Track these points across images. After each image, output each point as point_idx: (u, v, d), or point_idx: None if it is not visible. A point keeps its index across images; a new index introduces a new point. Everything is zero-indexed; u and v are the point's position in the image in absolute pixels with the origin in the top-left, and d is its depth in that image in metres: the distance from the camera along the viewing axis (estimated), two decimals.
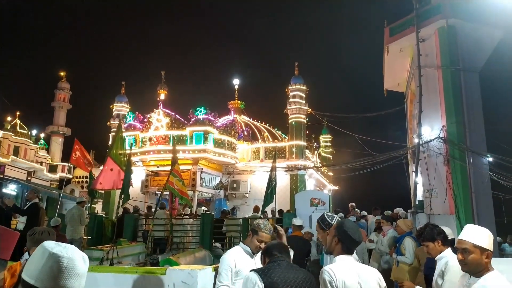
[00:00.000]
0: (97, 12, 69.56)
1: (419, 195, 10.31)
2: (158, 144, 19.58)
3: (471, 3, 10.57)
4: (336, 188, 31.20)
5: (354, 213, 11.29)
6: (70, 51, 62.43)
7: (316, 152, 26.55)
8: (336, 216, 3.14)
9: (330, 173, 29.58)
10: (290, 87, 21.80)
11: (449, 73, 10.27)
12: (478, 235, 2.35)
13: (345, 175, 20.62)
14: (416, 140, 10.66)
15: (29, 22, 60.68)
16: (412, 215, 9.39)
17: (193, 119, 19.50)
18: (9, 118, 26.97)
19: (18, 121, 26.76)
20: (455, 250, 2.69)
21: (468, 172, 9.46)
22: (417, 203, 9.83)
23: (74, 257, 1.27)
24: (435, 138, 9.92)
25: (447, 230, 3.71)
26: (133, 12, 70.12)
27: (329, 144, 32.30)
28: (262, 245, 3.17)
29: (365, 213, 11.31)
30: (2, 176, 21.39)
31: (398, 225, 6.31)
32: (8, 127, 25.50)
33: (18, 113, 27.47)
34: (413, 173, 10.64)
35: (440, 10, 10.74)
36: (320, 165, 26.52)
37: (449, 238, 3.56)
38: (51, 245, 1.27)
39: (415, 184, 10.34)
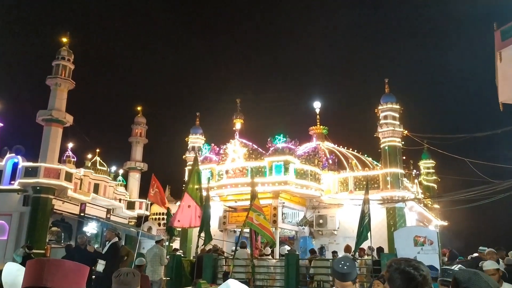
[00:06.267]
0: (170, 43, 75.64)
1: None
2: (236, 177, 20.04)
3: None
4: (445, 223, 28.90)
5: None
6: (143, 85, 68.20)
7: (416, 180, 25.03)
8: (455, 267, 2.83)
9: (436, 205, 27.56)
10: (380, 107, 21.11)
11: None
12: None
13: (457, 207, 19.02)
14: None
15: (105, 60, 68.00)
16: None
17: (271, 149, 19.69)
18: (89, 156, 29.98)
19: (98, 159, 29.54)
20: None
21: None
22: None
23: None
24: None
25: None
26: (206, 39, 74.93)
27: (431, 170, 30.32)
28: None
29: None
30: (83, 214, 23.56)
31: None
32: (89, 165, 28.23)
33: (98, 150, 30.41)
34: None
35: None
36: (423, 196, 24.88)
37: None
38: None
39: None
